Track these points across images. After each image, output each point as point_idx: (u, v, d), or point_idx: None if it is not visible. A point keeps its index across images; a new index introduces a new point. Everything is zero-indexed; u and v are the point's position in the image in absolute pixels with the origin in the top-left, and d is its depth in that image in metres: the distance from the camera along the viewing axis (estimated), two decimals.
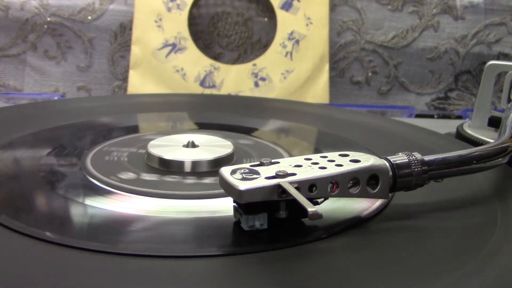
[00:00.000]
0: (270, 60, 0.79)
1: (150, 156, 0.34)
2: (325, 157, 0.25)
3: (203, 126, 0.46)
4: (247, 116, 0.50)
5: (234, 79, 0.78)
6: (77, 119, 0.45)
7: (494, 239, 0.24)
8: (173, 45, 0.77)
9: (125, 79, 0.80)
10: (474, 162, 0.28)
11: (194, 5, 0.79)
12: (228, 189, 0.23)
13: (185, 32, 0.78)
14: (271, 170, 0.24)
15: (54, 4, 0.78)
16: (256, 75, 0.78)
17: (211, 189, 0.30)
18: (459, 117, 0.73)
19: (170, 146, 0.35)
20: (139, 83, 0.77)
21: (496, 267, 0.22)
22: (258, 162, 0.24)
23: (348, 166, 0.24)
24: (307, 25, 0.79)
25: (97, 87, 0.82)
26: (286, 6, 0.79)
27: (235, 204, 0.24)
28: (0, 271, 0.20)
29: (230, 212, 0.25)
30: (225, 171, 0.24)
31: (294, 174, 0.23)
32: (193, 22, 0.80)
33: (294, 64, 0.78)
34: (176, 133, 0.38)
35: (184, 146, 0.35)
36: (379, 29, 0.82)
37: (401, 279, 0.21)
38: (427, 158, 0.26)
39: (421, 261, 0.22)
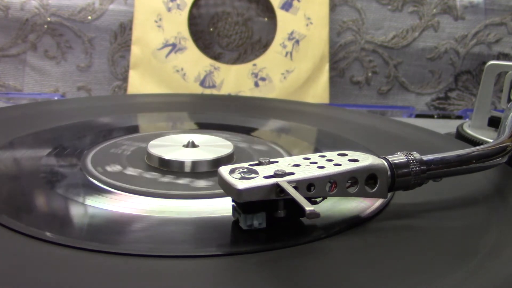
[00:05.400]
0: (270, 60, 0.79)
1: (150, 156, 0.34)
2: (324, 156, 0.25)
3: (203, 126, 0.46)
4: (247, 116, 0.50)
5: (234, 79, 0.78)
6: (77, 119, 0.45)
7: (494, 239, 0.24)
8: (173, 45, 0.78)
9: (125, 79, 0.80)
10: (473, 161, 0.28)
11: (194, 5, 0.79)
12: (227, 188, 0.23)
13: (185, 32, 0.78)
14: (269, 169, 0.24)
15: (54, 4, 0.78)
16: (256, 75, 0.78)
17: (210, 189, 0.30)
18: (459, 117, 0.73)
19: (170, 146, 0.35)
20: (139, 83, 0.77)
21: (496, 267, 0.22)
22: (257, 162, 0.24)
23: (346, 165, 0.24)
24: (307, 25, 0.79)
25: (97, 87, 0.82)
26: (286, 6, 0.79)
27: (233, 203, 0.24)
28: (0, 271, 0.20)
29: (230, 211, 0.25)
30: (224, 170, 0.24)
31: (292, 174, 0.23)
32: (193, 22, 0.80)
33: (294, 64, 0.78)
34: (176, 133, 0.38)
35: (184, 146, 0.36)
36: (379, 29, 0.82)
37: (401, 279, 0.21)
38: (425, 157, 0.26)
39: (421, 261, 0.22)
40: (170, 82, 0.77)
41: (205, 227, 0.25)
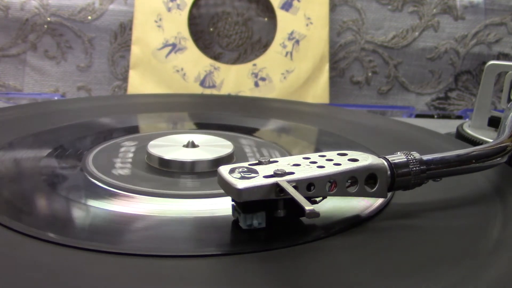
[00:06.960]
0: (270, 60, 0.79)
1: (150, 156, 0.34)
2: (324, 156, 0.25)
3: (203, 126, 0.46)
4: (247, 116, 0.50)
5: (234, 79, 0.78)
6: (77, 120, 0.45)
7: (494, 239, 0.25)
8: (173, 45, 0.78)
9: (125, 79, 0.80)
10: (473, 161, 0.28)
11: (194, 5, 0.79)
12: (227, 188, 0.23)
13: (185, 32, 0.78)
14: (269, 169, 0.24)
15: (54, 4, 0.78)
16: (256, 75, 0.78)
17: (210, 189, 0.30)
18: (459, 117, 0.73)
19: (170, 146, 0.35)
20: (139, 83, 0.77)
21: (496, 267, 0.22)
22: (257, 161, 0.24)
23: (346, 165, 0.24)
24: (307, 25, 0.79)
25: (97, 87, 0.82)
26: (286, 6, 0.79)
27: (233, 202, 0.24)
28: (1, 272, 0.20)
29: (229, 211, 0.25)
30: (224, 170, 0.24)
31: (292, 173, 0.23)
32: (193, 22, 0.80)
33: (294, 64, 0.78)
34: (176, 133, 0.38)
35: (184, 146, 0.36)
36: (379, 29, 0.82)
37: (401, 279, 0.21)
38: (425, 157, 0.26)
39: (421, 261, 0.22)
40: (170, 82, 0.77)
41: (205, 227, 0.25)
